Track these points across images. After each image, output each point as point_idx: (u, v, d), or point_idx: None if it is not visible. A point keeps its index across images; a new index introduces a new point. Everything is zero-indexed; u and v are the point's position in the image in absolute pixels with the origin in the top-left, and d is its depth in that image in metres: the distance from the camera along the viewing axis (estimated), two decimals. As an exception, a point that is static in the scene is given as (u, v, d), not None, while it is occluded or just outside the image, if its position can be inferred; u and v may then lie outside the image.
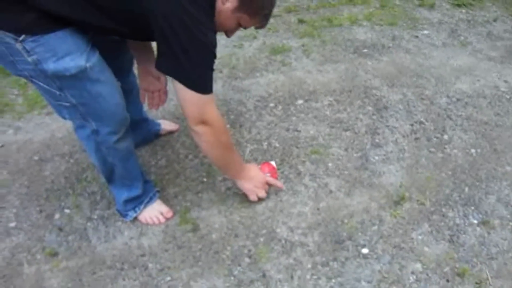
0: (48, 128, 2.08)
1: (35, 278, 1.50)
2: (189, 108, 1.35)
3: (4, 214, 1.72)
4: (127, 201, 1.64)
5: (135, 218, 1.68)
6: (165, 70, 1.30)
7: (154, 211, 1.68)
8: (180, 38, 1.20)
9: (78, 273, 1.52)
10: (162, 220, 1.68)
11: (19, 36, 1.11)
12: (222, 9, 1.30)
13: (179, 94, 1.31)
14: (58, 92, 1.26)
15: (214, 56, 1.30)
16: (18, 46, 1.13)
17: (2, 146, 2.02)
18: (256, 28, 1.46)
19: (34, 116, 2.17)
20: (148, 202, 1.67)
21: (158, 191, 1.75)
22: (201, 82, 1.31)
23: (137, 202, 1.65)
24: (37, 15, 1.12)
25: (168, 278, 1.51)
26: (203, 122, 1.37)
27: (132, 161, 1.58)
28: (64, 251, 1.58)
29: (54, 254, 1.57)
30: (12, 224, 1.68)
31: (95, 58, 1.26)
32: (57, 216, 1.71)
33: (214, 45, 1.29)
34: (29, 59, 1.15)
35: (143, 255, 1.57)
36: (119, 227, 1.66)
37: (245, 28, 1.41)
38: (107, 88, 1.32)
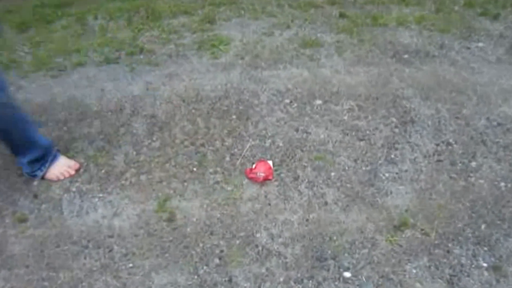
0: (50, 92, 2.07)
1: (-1, 241, 1.49)
2: None
3: (-14, 172, 1.73)
4: (32, 162, 1.67)
5: (43, 178, 1.69)
6: None
7: (62, 167, 1.71)
8: None
9: (42, 243, 1.48)
10: (72, 172, 1.72)
11: None
12: None
13: None
14: None
15: None
16: None
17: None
18: None
19: (39, 76, 2.17)
20: (52, 160, 1.70)
21: (58, 150, 1.76)
22: None
23: (42, 161, 1.68)
24: None
25: (130, 265, 1.43)
26: None
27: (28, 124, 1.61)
28: (33, 219, 1.56)
29: (23, 220, 1.55)
30: (-9, 183, 1.69)
31: None
32: (35, 182, 1.69)
33: None
34: None
35: (111, 236, 1.51)
36: (94, 204, 1.61)
37: None
38: None
